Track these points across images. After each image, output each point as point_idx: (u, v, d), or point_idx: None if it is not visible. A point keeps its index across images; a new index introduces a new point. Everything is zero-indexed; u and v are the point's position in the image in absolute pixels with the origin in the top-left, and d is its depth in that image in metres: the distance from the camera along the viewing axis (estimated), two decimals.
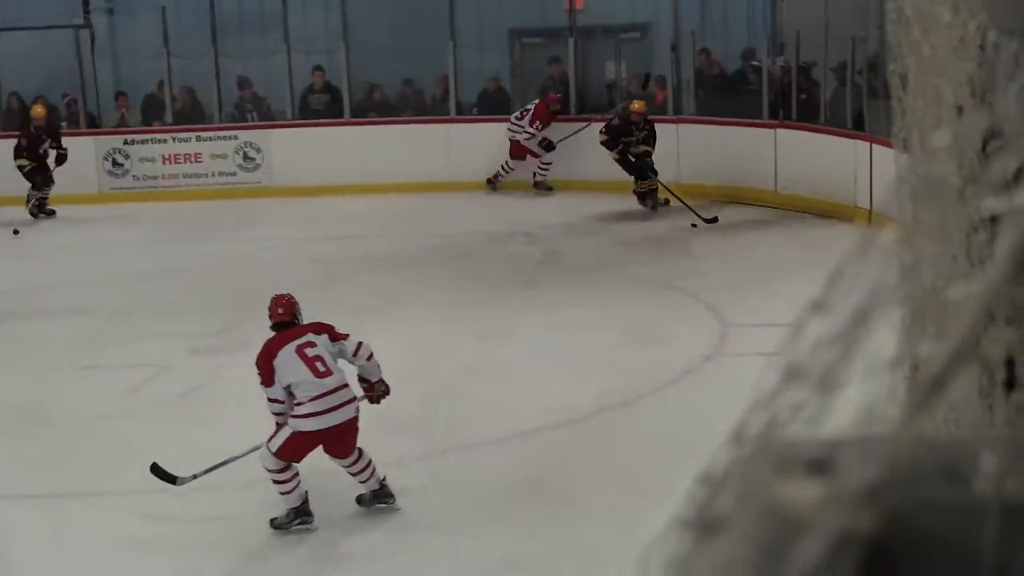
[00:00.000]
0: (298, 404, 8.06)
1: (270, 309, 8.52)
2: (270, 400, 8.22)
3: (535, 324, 12.06)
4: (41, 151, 18.20)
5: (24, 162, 18.11)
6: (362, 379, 8.34)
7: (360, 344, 8.33)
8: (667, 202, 16.85)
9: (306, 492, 8.17)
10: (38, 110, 18.57)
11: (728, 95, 18.75)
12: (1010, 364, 1.21)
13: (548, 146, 18.38)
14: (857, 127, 15.94)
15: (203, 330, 12.37)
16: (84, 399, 10.64)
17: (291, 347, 8.14)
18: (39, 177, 18.19)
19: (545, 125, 18.40)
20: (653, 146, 16.67)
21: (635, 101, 17.22)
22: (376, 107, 20.32)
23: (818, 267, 1.26)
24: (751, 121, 17.48)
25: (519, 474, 8.45)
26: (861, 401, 1.04)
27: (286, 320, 8.40)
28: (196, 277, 14.69)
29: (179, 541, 8.08)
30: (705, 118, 17.56)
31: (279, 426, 8.16)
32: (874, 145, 14.68)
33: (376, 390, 8.34)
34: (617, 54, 20.20)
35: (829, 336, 1.05)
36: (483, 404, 9.44)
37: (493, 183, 18.81)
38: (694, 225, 15.77)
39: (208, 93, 20.29)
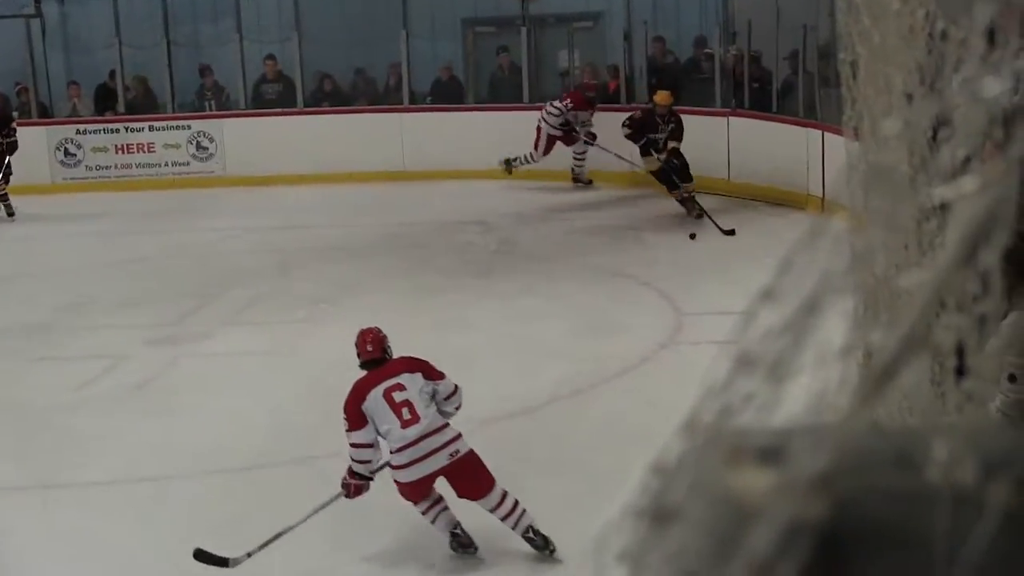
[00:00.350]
0: (390, 452, 7.57)
1: (357, 346, 7.88)
2: (354, 446, 7.60)
3: (490, 313, 12.06)
4: None
5: None
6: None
7: (456, 390, 7.74)
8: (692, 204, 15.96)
9: (456, 521, 7.71)
10: None
11: (681, 83, 18.78)
12: (961, 352, 1.22)
13: (591, 138, 17.56)
14: (809, 115, 16.00)
15: (159, 321, 12.32)
16: (38, 391, 10.55)
17: (379, 390, 7.54)
18: None
19: (578, 108, 17.61)
20: (680, 140, 15.95)
21: (659, 92, 16.40)
22: (329, 96, 20.25)
23: (772, 255, 1.26)
24: (704, 109, 17.51)
25: None
26: (812, 389, 1.04)
27: (376, 357, 7.79)
28: (151, 268, 14.61)
29: (130, 536, 8.03)
30: None
31: (359, 479, 7.65)
32: (826, 133, 14.74)
33: None
34: (570, 43, 20.18)
35: (780, 324, 1.05)
36: None
37: (578, 179, 18.13)
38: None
39: (161, 82, 20.20)
